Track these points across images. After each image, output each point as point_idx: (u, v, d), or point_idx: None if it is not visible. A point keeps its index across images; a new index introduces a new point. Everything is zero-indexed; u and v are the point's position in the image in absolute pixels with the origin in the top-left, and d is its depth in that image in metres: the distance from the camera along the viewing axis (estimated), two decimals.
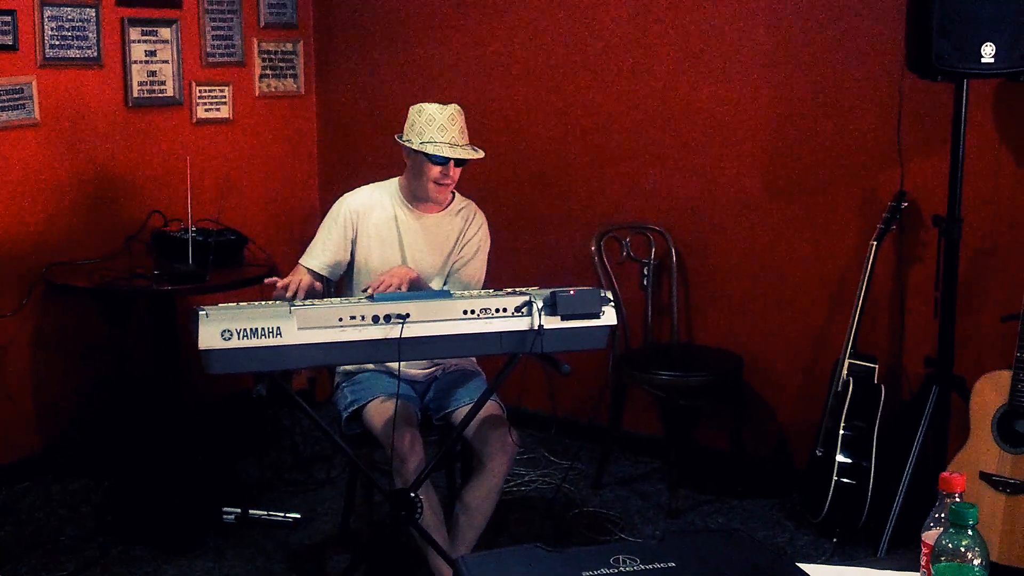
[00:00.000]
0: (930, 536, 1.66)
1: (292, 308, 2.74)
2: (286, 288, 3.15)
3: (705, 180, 4.30)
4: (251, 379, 2.88)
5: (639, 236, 4.38)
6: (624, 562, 1.66)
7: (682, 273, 4.38)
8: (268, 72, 5.05)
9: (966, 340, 3.62)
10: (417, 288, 3.23)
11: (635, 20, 4.36)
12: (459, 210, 3.48)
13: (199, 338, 2.65)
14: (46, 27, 4.16)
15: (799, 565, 1.70)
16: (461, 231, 3.46)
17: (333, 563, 3.65)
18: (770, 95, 4.10)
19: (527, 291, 2.94)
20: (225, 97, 4.87)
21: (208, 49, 4.77)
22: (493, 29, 4.73)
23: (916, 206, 3.78)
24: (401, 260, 3.37)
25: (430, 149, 3.25)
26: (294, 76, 5.18)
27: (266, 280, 3.21)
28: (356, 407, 3.30)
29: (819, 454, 3.75)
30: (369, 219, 3.41)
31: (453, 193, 3.47)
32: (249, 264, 4.28)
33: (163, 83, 4.62)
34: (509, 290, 3.02)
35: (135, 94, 4.51)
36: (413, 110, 3.34)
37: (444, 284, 3.44)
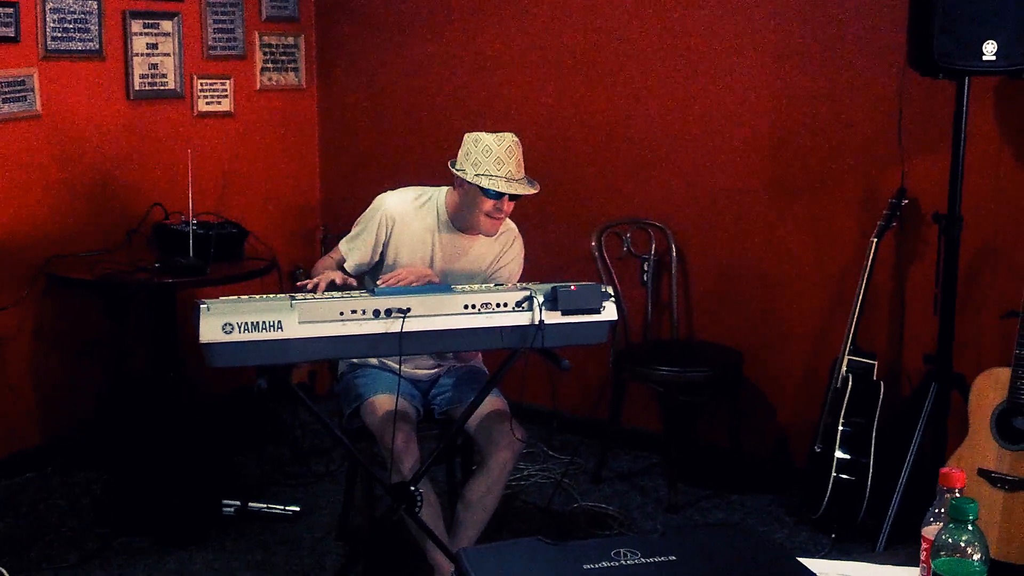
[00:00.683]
0: (930, 531, 1.67)
1: (293, 302, 2.75)
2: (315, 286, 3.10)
3: (706, 176, 4.30)
4: (252, 372, 2.89)
5: (639, 232, 4.38)
6: (625, 555, 1.67)
7: (682, 269, 4.38)
8: (269, 65, 5.05)
9: (965, 337, 3.63)
10: None
11: (636, 18, 4.36)
12: (500, 233, 3.37)
13: (200, 331, 2.65)
14: (48, 19, 4.16)
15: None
16: (497, 255, 3.39)
17: (332, 556, 3.65)
18: (771, 92, 4.11)
19: (528, 286, 2.94)
20: (226, 90, 4.87)
21: (209, 42, 4.77)
22: (494, 24, 4.73)
23: (916, 203, 3.78)
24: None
25: (485, 183, 3.14)
26: (295, 70, 5.18)
27: (298, 284, 3.17)
28: (356, 404, 3.30)
29: (818, 450, 3.75)
30: (406, 228, 3.31)
31: None
32: (250, 257, 4.27)
33: (164, 76, 4.62)
34: (510, 285, 3.02)
35: (136, 87, 4.51)
36: (469, 139, 3.22)
37: None
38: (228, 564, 3.59)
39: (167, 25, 4.60)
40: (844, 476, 3.67)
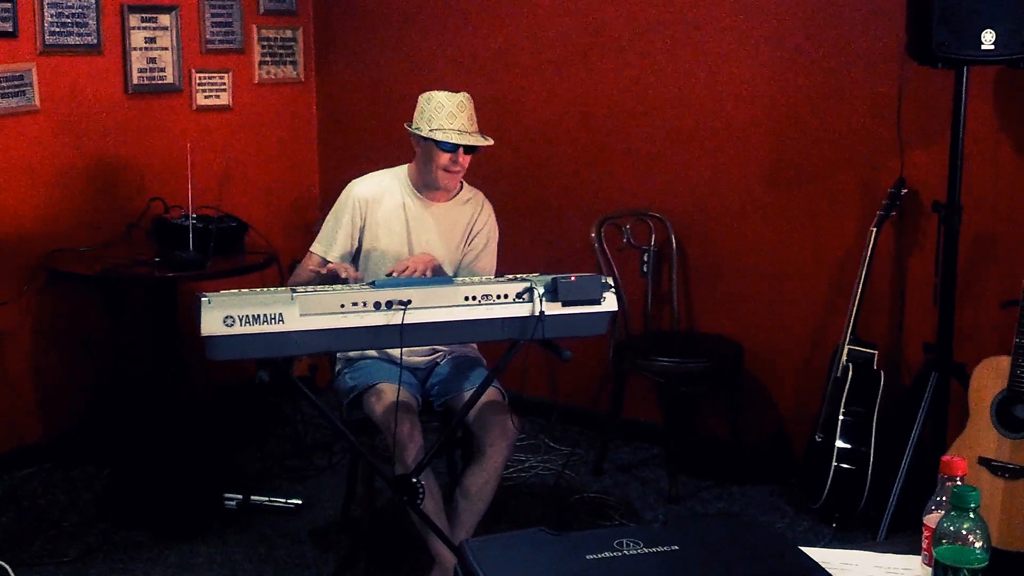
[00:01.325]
0: (931, 519, 1.68)
1: (294, 294, 2.75)
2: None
3: (705, 167, 4.30)
4: (253, 366, 2.89)
5: (639, 223, 4.38)
6: (628, 545, 1.67)
7: (682, 260, 4.38)
8: (268, 59, 5.05)
9: (965, 326, 3.63)
10: (438, 275, 3.23)
11: (636, 10, 4.35)
12: (467, 200, 3.47)
13: (201, 324, 2.65)
14: (46, 14, 4.15)
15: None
16: (469, 222, 3.46)
17: (334, 549, 3.66)
18: (770, 82, 4.10)
19: (528, 277, 2.94)
20: (225, 84, 4.86)
21: (208, 36, 4.77)
22: (494, 17, 4.72)
23: (916, 193, 3.79)
24: (408, 248, 3.38)
25: (439, 136, 3.25)
26: (294, 63, 5.18)
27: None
28: (356, 393, 3.31)
29: (818, 440, 3.76)
30: (378, 208, 3.40)
31: (461, 182, 3.47)
32: (250, 251, 4.27)
33: (163, 70, 4.61)
34: (510, 276, 3.03)
35: (135, 81, 4.51)
36: (422, 98, 3.34)
37: (454, 275, 3.43)
38: (230, 558, 3.60)
39: (165, 19, 4.59)
40: (844, 466, 3.67)
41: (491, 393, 3.25)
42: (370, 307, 2.78)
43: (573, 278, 2.91)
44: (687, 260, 4.40)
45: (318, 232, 3.48)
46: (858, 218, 3.94)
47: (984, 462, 3.23)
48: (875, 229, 3.71)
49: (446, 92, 3.30)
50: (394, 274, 3.15)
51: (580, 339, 3.04)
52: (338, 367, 3.50)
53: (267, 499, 3.94)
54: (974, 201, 3.58)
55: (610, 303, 2.94)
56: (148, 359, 4.25)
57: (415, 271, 3.16)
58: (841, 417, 3.69)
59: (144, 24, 4.51)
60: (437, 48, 4.89)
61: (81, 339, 4.41)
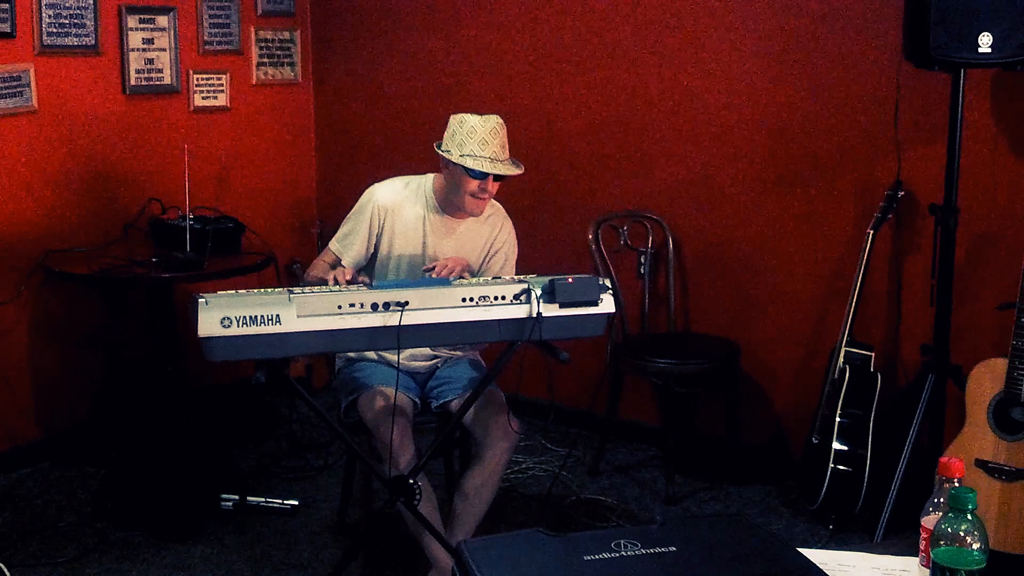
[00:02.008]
0: (929, 521, 1.68)
1: (291, 295, 2.75)
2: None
3: (702, 169, 4.30)
4: (250, 367, 2.89)
5: (636, 224, 4.38)
6: (625, 546, 1.67)
7: (679, 261, 4.39)
8: (265, 60, 5.05)
9: (962, 328, 3.64)
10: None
11: (634, 11, 4.36)
12: (488, 216, 3.41)
13: (199, 326, 2.65)
14: (44, 15, 4.15)
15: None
16: (488, 239, 3.42)
17: (331, 550, 3.66)
18: (767, 84, 4.11)
19: (525, 279, 2.95)
20: (222, 85, 4.86)
21: (205, 37, 4.77)
22: (491, 19, 4.73)
23: (913, 195, 3.79)
24: (422, 258, 3.34)
25: (470, 163, 3.17)
26: (291, 64, 5.18)
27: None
28: (354, 396, 3.30)
29: (815, 441, 3.76)
30: (397, 217, 3.34)
31: None
32: (247, 252, 4.27)
33: (160, 71, 4.61)
34: (507, 278, 3.03)
35: (132, 82, 4.51)
36: (454, 120, 3.26)
37: None
38: (226, 558, 3.59)
39: (163, 20, 4.59)
40: (841, 467, 3.68)
41: (490, 394, 3.25)
42: (367, 308, 2.78)
43: (570, 279, 2.91)
44: (684, 261, 4.40)
45: (333, 231, 3.43)
46: (855, 220, 3.94)
47: (981, 464, 3.24)
48: (872, 231, 3.71)
49: (479, 116, 3.22)
50: (430, 274, 3.12)
51: (577, 340, 3.04)
52: (338, 366, 3.50)
53: (263, 500, 3.94)
54: (971, 203, 3.59)
55: (607, 304, 2.94)
56: (145, 359, 4.25)
57: (452, 271, 3.12)
58: (838, 419, 3.69)
59: (142, 25, 4.51)
60: (434, 50, 4.89)
61: (79, 338, 4.40)
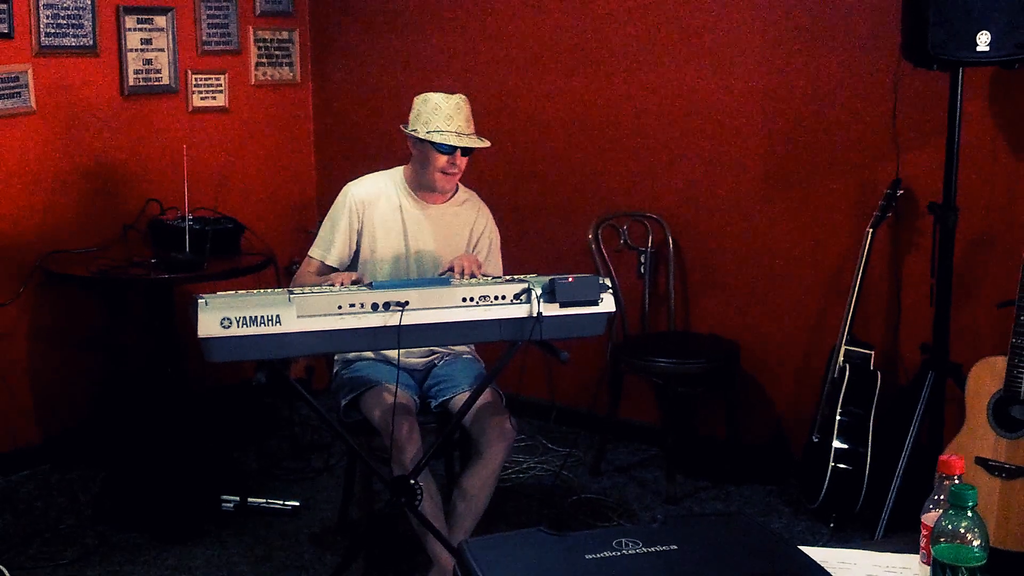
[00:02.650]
0: (930, 518, 1.68)
1: (291, 296, 2.75)
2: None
3: (702, 168, 4.31)
4: (250, 368, 2.89)
5: (636, 224, 4.39)
6: (627, 545, 1.67)
7: (679, 261, 4.39)
8: (264, 60, 5.05)
9: (962, 327, 3.64)
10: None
11: (633, 10, 4.36)
12: (463, 201, 3.46)
13: (198, 326, 2.65)
14: (42, 15, 4.15)
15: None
16: (470, 226, 3.44)
17: (333, 551, 3.65)
18: (767, 83, 4.11)
19: (525, 278, 2.95)
20: (221, 85, 4.86)
21: (204, 37, 4.77)
22: (491, 18, 4.73)
23: (912, 193, 3.79)
24: (404, 250, 3.37)
25: (436, 138, 3.23)
26: (290, 64, 5.17)
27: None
28: (354, 395, 3.31)
29: (816, 440, 3.76)
30: (375, 210, 3.38)
31: (457, 184, 3.46)
32: (246, 252, 4.27)
33: (159, 71, 4.61)
34: (508, 277, 3.03)
35: (131, 82, 4.50)
36: (418, 99, 3.32)
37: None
38: (228, 559, 3.59)
39: (161, 20, 4.59)
40: (842, 466, 3.68)
41: (489, 394, 3.25)
42: (368, 308, 2.78)
43: (571, 279, 2.91)
44: (684, 261, 4.40)
45: (316, 235, 3.47)
46: (854, 219, 3.94)
47: (981, 462, 3.24)
48: (871, 230, 3.71)
49: (442, 94, 3.29)
50: (451, 275, 3.10)
51: (578, 340, 3.04)
52: (336, 368, 3.50)
53: (265, 501, 3.94)
54: (970, 202, 3.59)
55: (608, 304, 2.94)
56: (145, 360, 4.24)
57: (469, 271, 3.12)
58: (838, 417, 3.70)
59: (140, 26, 4.51)
60: (434, 49, 4.89)
61: (79, 340, 4.40)
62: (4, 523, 3.85)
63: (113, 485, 4.04)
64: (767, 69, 4.10)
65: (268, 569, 3.54)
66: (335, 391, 3.45)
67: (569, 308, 2.91)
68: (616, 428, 4.39)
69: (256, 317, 2.68)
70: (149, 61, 4.57)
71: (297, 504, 3.95)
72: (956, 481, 1.66)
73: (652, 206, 4.38)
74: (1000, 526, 3.16)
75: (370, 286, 2.90)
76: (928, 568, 1.61)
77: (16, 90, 4.12)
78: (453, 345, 3.42)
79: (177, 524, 3.76)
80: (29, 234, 4.21)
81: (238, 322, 2.67)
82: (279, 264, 4.20)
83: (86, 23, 4.31)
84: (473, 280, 2.98)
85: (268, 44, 5.06)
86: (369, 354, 3.39)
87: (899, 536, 2.01)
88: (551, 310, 2.89)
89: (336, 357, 3.50)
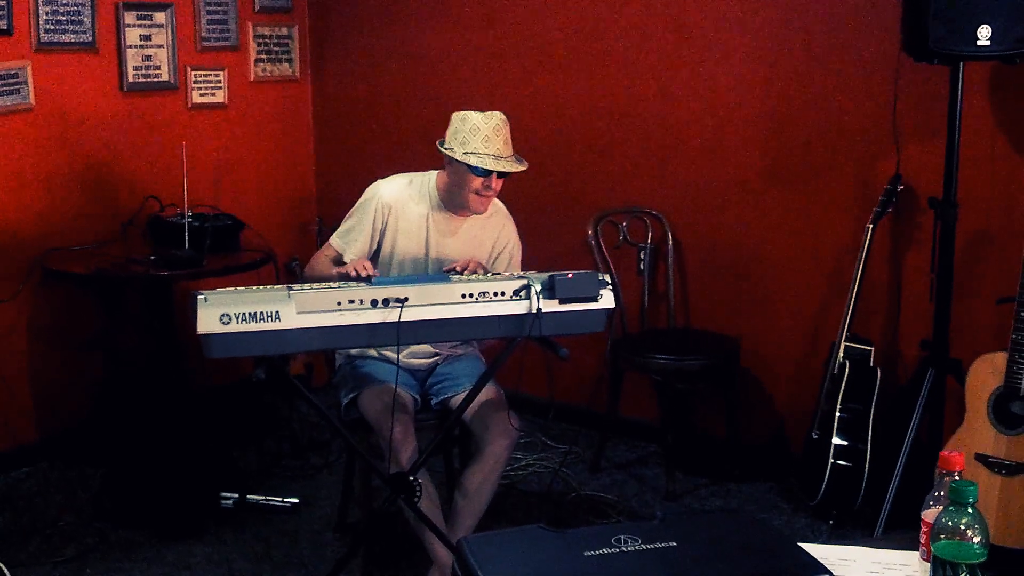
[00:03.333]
0: (929, 515, 1.68)
1: (291, 292, 2.74)
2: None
3: (702, 164, 4.30)
4: (249, 365, 2.89)
5: (636, 220, 4.38)
6: (626, 542, 1.67)
7: (679, 257, 4.38)
8: (263, 56, 5.04)
9: (962, 323, 3.63)
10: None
11: (632, 6, 4.35)
12: (490, 215, 3.39)
13: (198, 323, 2.65)
14: (41, 12, 4.14)
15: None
16: (493, 240, 3.40)
17: (331, 548, 3.65)
18: (766, 79, 4.10)
19: (525, 275, 2.94)
20: (220, 82, 4.86)
21: (203, 34, 4.76)
22: (490, 15, 4.72)
23: (912, 189, 3.79)
24: (424, 257, 3.35)
25: (473, 161, 3.16)
26: (289, 60, 5.17)
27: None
28: (355, 395, 3.30)
29: (815, 437, 3.76)
30: (401, 215, 3.32)
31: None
32: (245, 249, 4.27)
33: (158, 68, 4.60)
34: (507, 273, 3.02)
35: (130, 79, 4.50)
36: (456, 117, 3.23)
37: None
38: (227, 556, 3.59)
39: (160, 17, 4.58)
40: (841, 462, 3.67)
41: (491, 391, 3.24)
42: (367, 304, 2.77)
43: (570, 275, 2.91)
44: (684, 257, 4.40)
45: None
46: (854, 214, 3.94)
47: (981, 458, 3.24)
48: (871, 225, 3.71)
49: (482, 113, 3.20)
50: (455, 272, 3.09)
51: (577, 337, 3.03)
52: (338, 363, 3.49)
53: (264, 498, 3.94)
54: (970, 197, 3.58)
55: (607, 300, 2.94)
56: (144, 358, 4.24)
57: (471, 269, 3.10)
58: (838, 414, 3.69)
59: (139, 22, 4.50)
60: (433, 46, 4.88)
61: (78, 337, 4.40)
62: (3, 520, 3.85)
63: (112, 482, 4.04)
64: (766, 63, 4.09)
65: (267, 566, 3.54)
66: (337, 385, 3.44)
67: (568, 304, 2.90)
68: (615, 425, 4.39)
69: (255, 313, 2.68)
70: (148, 57, 4.56)
71: (296, 501, 3.95)
72: (956, 477, 1.65)
73: (652, 202, 4.38)
74: (1000, 523, 3.16)
75: (369, 281, 2.89)
76: (928, 565, 1.61)
77: (15, 87, 4.11)
78: (452, 341, 3.41)
79: (176, 521, 3.76)
80: (28, 231, 4.21)
81: (237, 318, 2.66)
82: (278, 261, 4.19)
83: (85, 19, 4.30)
84: (472, 276, 2.97)
85: (267, 40, 5.05)
86: (372, 352, 3.39)
87: (899, 533, 2.01)
88: (550, 306, 2.88)
89: (339, 353, 3.49)
